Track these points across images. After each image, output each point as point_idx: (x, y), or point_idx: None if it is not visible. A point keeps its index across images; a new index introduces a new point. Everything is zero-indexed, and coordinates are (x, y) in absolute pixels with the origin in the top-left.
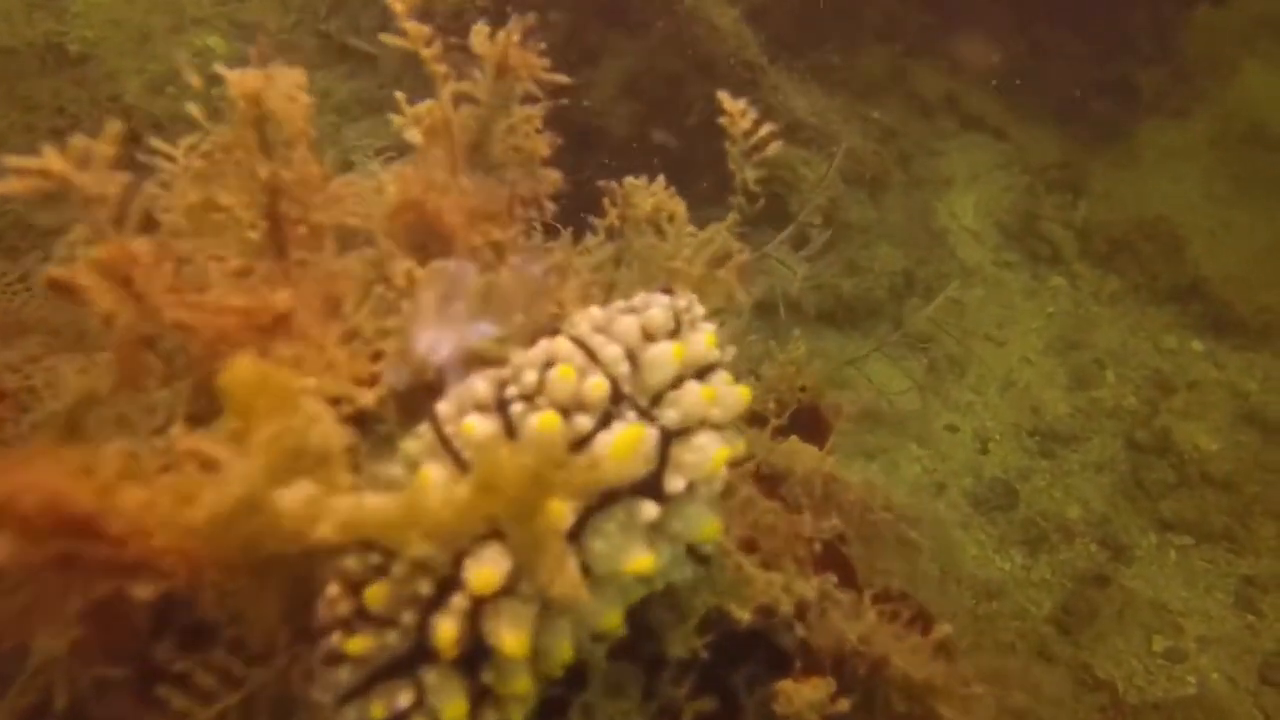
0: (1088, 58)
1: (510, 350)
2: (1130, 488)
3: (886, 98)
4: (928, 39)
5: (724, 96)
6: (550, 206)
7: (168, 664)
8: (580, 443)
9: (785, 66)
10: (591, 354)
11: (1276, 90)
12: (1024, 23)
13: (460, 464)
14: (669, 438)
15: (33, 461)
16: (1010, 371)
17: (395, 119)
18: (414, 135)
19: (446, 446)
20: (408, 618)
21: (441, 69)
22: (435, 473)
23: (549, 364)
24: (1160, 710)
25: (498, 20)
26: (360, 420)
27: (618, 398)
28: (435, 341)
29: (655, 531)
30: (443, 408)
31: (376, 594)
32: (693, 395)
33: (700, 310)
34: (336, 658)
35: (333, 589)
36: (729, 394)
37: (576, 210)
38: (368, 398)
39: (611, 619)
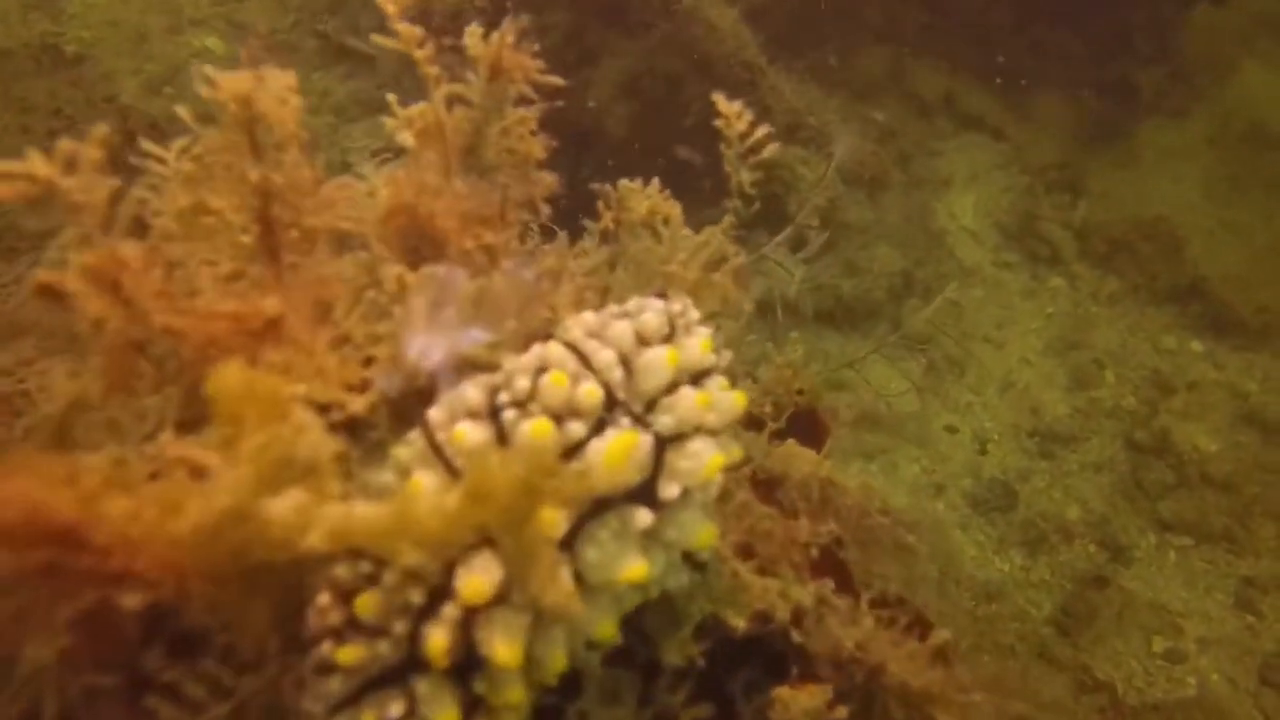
0: (1087, 58)
1: (503, 356)
2: (1130, 488)
3: (885, 98)
4: (927, 39)
5: (719, 99)
6: (546, 209)
7: (158, 673)
8: (573, 450)
9: (784, 67)
10: (585, 359)
11: (1275, 90)
12: (1024, 23)
13: (452, 471)
14: (663, 444)
15: (15, 471)
16: (1009, 372)
17: (388, 122)
18: (407, 138)
19: (438, 454)
20: (399, 627)
21: (434, 71)
22: (425, 481)
23: (541, 370)
24: (1160, 712)
25: (497, 21)
26: (352, 427)
27: (611, 404)
28: (427, 347)
29: (650, 539)
30: (434, 414)
31: (367, 603)
32: (687, 401)
33: (695, 314)
34: (327, 667)
35: (323, 598)
36: (724, 399)
37: (575, 211)
38: (358, 404)
39: (606, 627)
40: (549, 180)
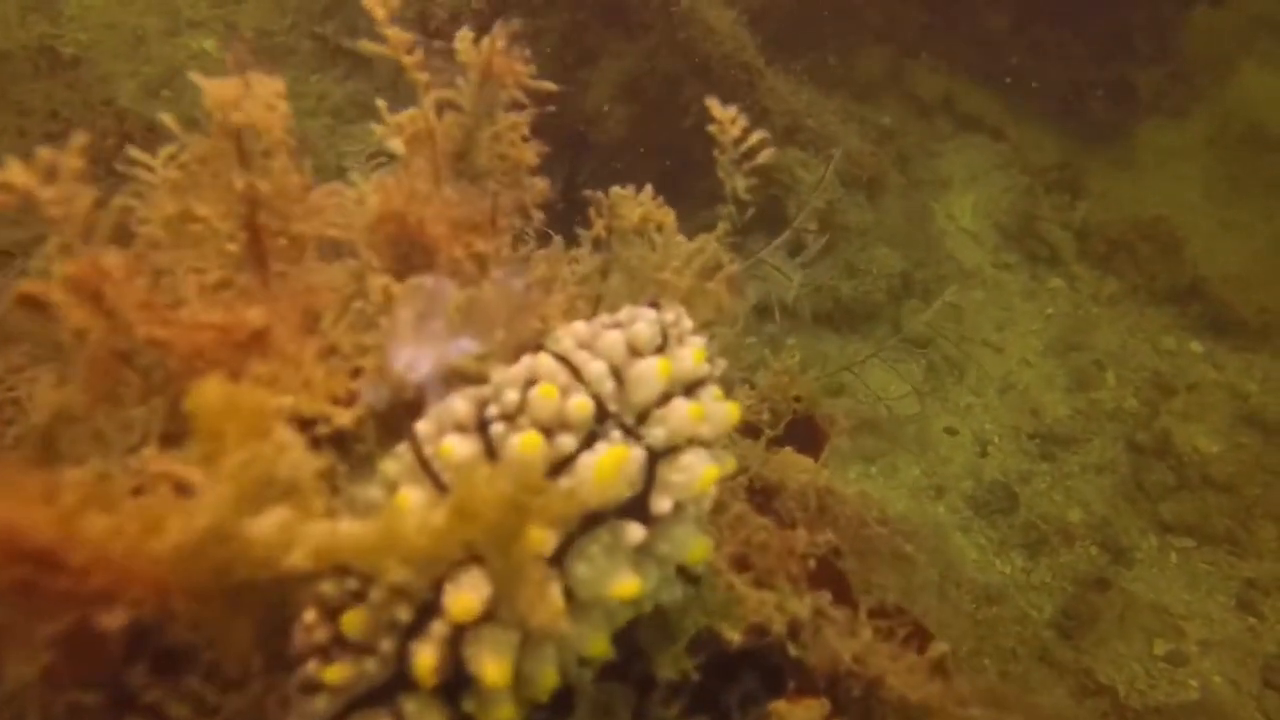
0: (1087, 58)
1: (492, 368)
2: (1131, 490)
3: (884, 98)
4: (927, 39)
5: (713, 103)
6: (538, 215)
7: (141, 690)
8: (563, 464)
9: (783, 68)
10: (575, 371)
11: (1275, 90)
12: (1024, 23)
13: (440, 486)
14: (655, 457)
15: None
16: (1009, 374)
17: (377, 128)
18: (397, 144)
19: (426, 468)
20: (386, 645)
21: (424, 76)
22: (412, 497)
23: (531, 382)
24: (1162, 715)
25: (495, 23)
26: (339, 440)
27: (602, 416)
28: (414, 359)
29: (642, 554)
30: (422, 427)
31: (354, 620)
32: (680, 413)
33: (688, 324)
34: (313, 686)
35: (309, 615)
36: (718, 410)
37: (571, 214)
38: (345, 417)
39: (598, 644)
40: (541, 186)
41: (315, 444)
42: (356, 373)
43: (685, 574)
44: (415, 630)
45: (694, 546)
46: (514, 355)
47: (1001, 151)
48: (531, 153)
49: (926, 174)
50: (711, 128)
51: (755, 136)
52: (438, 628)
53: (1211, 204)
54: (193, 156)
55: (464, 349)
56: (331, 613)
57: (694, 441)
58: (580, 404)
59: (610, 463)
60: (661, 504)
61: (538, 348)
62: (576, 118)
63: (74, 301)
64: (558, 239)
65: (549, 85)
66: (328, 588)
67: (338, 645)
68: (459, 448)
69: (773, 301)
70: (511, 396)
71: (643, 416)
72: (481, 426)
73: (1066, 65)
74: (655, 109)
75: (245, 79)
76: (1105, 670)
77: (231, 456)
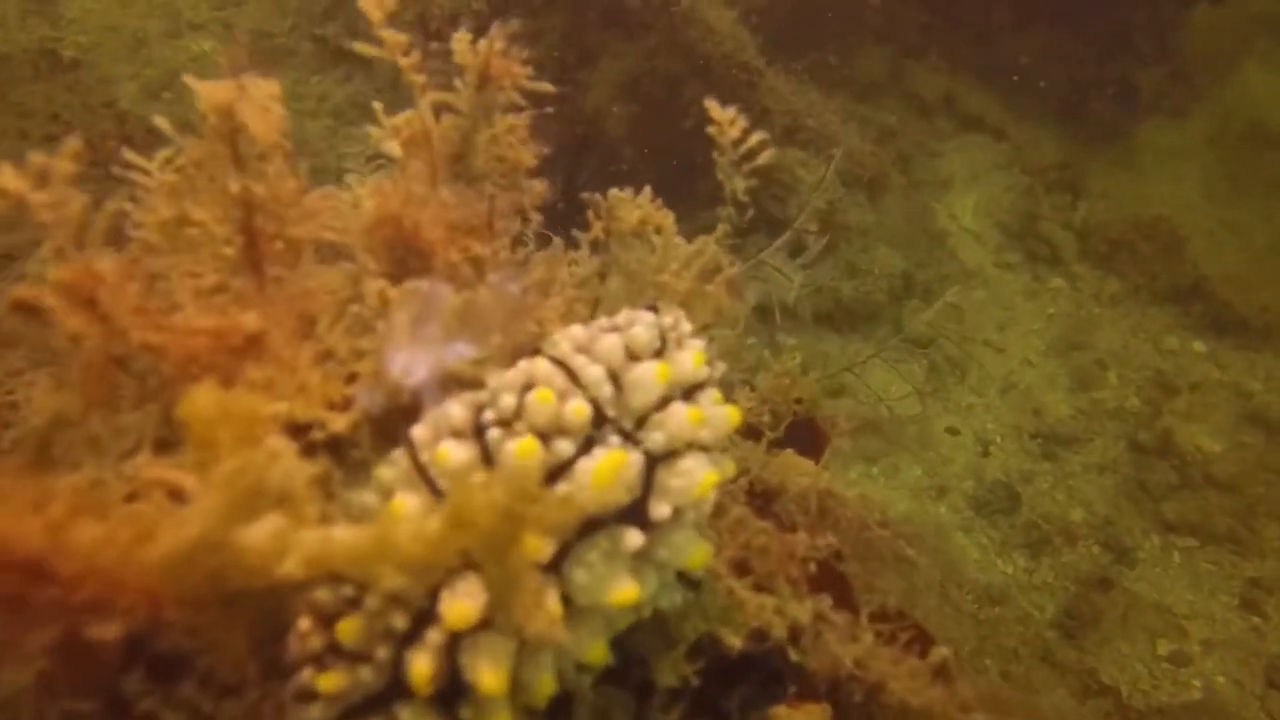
0: (1087, 58)
1: (488, 372)
2: (1133, 490)
3: (885, 98)
4: (927, 39)
5: (712, 105)
6: (536, 218)
7: (137, 698)
8: (561, 469)
9: (783, 68)
10: (573, 375)
11: (1275, 90)
12: (1024, 23)
13: (436, 492)
14: (654, 462)
15: None
16: (1011, 373)
17: (374, 130)
18: (394, 147)
19: (422, 474)
20: (382, 653)
21: (420, 79)
22: (408, 503)
23: (528, 387)
24: (1165, 715)
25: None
26: (334, 445)
27: (600, 421)
28: (410, 363)
29: (640, 560)
30: (418, 433)
31: (349, 628)
32: (679, 417)
33: (687, 327)
34: (308, 694)
35: (304, 623)
36: (717, 415)
37: (571, 216)
38: (340, 423)
39: (596, 651)
40: (540, 188)
41: (310, 449)
42: (352, 378)
43: (685, 579)
44: (411, 638)
45: (693, 552)
46: (511, 360)
47: (1003, 151)
48: (529, 155)
49: (927, 174)
50: (711, 129)
51: (755, 138)
52: (434, 635)
53: (1212, 203)
54: (188, 160)
55: (460, 353)
56: (327, 620)
57: (693, 446)
58: (578, 409)
59: (608, 468)
60: (660, 509)
61: (535, 352)
62: (577, 119)
63: (68, 307)
64: (557, 241)
65: (547, 87)
66: (323, 595)
67: (333, 653)
68: (455, 453)
69: (773, 303)
70: (508, 401)
71: (641, 421)
72: (478, 432)
73: (1067, 65)
74: (655, 110)
75: (240, 81)
76: (1108, 670)
77: (224, 464)
